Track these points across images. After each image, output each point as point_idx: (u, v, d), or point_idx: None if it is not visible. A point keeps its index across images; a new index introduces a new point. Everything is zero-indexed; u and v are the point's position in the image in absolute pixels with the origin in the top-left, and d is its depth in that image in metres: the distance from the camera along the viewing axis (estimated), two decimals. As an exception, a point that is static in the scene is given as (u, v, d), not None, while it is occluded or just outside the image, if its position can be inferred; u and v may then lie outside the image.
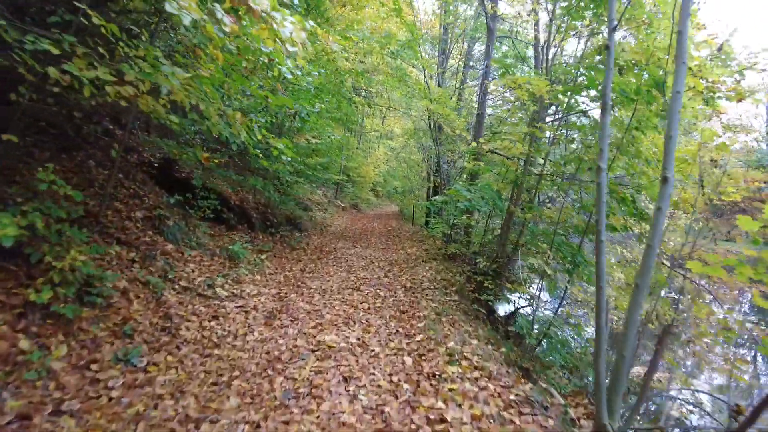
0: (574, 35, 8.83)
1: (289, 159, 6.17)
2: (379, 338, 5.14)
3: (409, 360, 4.42)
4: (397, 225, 17.60)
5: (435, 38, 16.97)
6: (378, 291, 7.16)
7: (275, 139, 5.38)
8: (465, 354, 4.56)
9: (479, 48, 17.23)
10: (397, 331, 5.45)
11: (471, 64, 17.03)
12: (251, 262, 7.69)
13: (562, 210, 7.43)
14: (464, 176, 10.54)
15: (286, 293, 6.73)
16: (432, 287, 7.47)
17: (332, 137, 9.07)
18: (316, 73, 9.03)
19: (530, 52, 12.85)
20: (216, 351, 4.37)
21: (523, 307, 8.80)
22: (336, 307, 6.21)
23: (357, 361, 4.39)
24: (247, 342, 4.74)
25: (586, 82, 5.89)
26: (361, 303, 6.48)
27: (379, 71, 13.56)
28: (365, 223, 17.90)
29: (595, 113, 7.98)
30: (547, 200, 8.98)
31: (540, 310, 8.56)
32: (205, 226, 7.84)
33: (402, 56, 12.48)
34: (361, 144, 29.60)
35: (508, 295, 8.76)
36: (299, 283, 7.33)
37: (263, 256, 8.28)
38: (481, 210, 7.25)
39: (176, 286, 5.46)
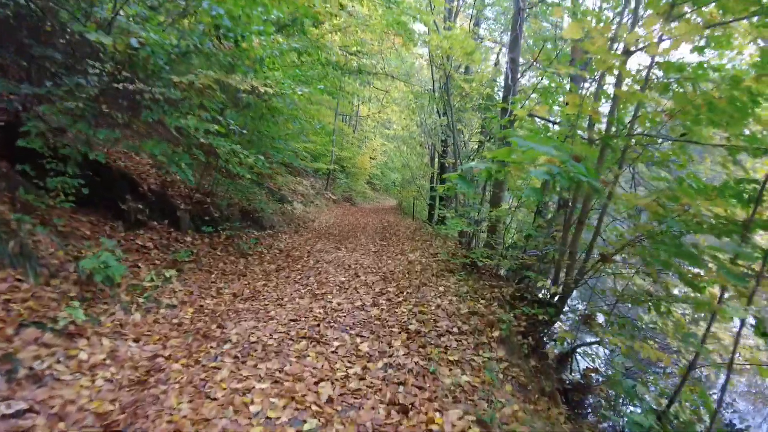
0: None
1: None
2: None
3: None
4: (394, 220, 14.10)
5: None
6: (358, 344, 3.68)
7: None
8: None
9: None
10: None
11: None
12: (135, 288, 4.20)
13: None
14: (486, 149, 7.06)
15: (155, 377, 3.23)
16: (456, 331, 4.01)
17: (295, 90, 5.52)
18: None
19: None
20: None
21: (587, 344, 5.33)
22: (255, 408, 2.70)
23: None
24: None
25: None
26: (318, 385, 2.98)
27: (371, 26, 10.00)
28: (357, 217, 14.40)
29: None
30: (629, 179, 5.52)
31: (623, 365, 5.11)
32: (66, 218, 4.34)
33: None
34: (357, 133, 26.12)
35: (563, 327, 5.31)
36: (207, 332, 3.82)
37: (170, 273, 4.80)
38: (564, 186, 3.80)
39: None
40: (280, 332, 3.82)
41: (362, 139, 26.11)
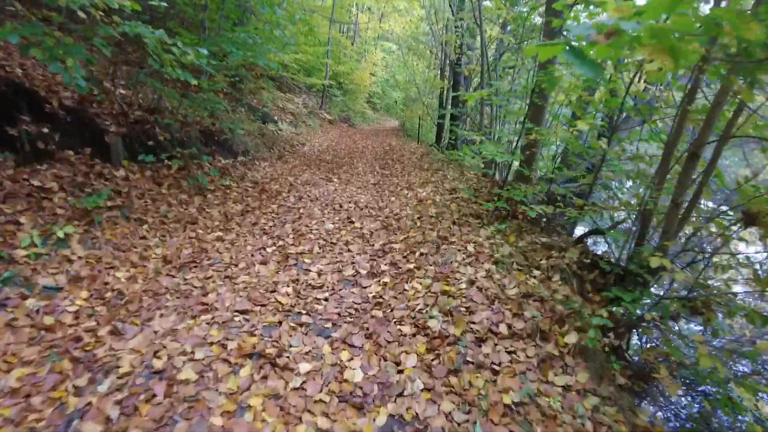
0: None
1: None
2: None
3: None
4: (397, 143, 12.11)
5: None
6: (342, 366, 2.09)
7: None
8: None
9: None
10: None
11: None
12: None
13: None
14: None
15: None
16: (505, 332, 2.40)
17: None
18: None
19: None
20: None
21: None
22: None
23: None
24: None
25: None
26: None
27: None
28: (355, 140, 12.39)
29: None
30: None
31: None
32: None
33: None
34: (356, 46, 23.00)
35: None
36: (87, 347, 2.20)
37: (68, 231, 3.10)
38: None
39: None
40: (211, 341, 2.20)
41: (361, 53, 23.10)
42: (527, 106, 4.45)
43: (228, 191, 5.25)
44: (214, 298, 2.66)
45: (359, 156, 9.21)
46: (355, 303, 2.68)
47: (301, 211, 4.74)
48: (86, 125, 4.53)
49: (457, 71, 9.20)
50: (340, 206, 5.02)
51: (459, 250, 3.36)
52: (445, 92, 11.21)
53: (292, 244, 3.66)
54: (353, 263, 3.30)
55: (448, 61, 10.44)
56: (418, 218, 4.33)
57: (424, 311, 2.56)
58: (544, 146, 5.05)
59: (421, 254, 3.37)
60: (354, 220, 4.46)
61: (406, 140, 13.75)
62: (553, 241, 3.52)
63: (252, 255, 3.42)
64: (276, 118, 10.50)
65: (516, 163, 5.07)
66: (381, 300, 2.72)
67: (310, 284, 2.88)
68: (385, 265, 3.26)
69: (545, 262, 3.15)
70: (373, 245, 3.70)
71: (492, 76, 5.98)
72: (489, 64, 5.96)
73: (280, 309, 2.55)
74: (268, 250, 3.50)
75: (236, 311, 2.51)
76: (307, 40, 14.22)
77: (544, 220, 4.72)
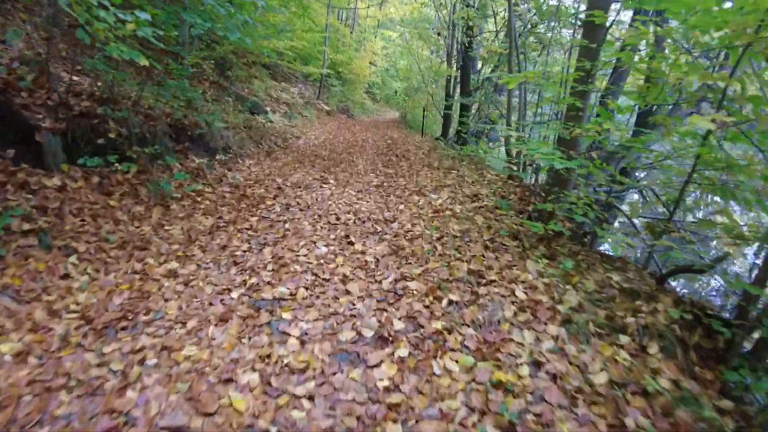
0: None
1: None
2: None
3: None
4: (400, 137, 10.99)
5: None
6: None
7: None
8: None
9: None
10: None
11: None
12: None
13: None
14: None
15: None
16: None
17: None
18: None
19: None
20: None
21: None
22: None
23: None
24: None
25: None
26: None
27: None
28: (355, 132, 11.28)
29: None
30: None
31: None
32: None
33: None
34: (355, 34, 21.70)
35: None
36: None
37: None
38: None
39: None
40: None
41: (360, 41, 21.83)
42: (568, 95, 3.39)
43: (199, 199, 4.21)
44: (133, 399, 1.64)
45: (359, 151, 8.14)
46: (357, 403, 1.67)
47: (287, 226, 3.71)
48: (10, 120, 3.49)
49: (470, 55, 8.06)
50: (337, 218, 3.98)
51: (504, 297, 2.34)
52: (452, 81, 10.09)
53: (269, 282, 2.63)
54: (353, 316, 2.28)
55: (457, 46, 9.29)
56: (438, 239, 3.30)
57: (468, 425, 1.55)
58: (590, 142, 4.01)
59: (451, 303, 2.34)
60: (354, 239, 3.43)
61: (408, 132, 12.66)
62: (631, 281, 2.50)
63: (210, 304, 2.39)
64: (268, 108, 9.40)
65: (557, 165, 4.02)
66: (398, 398, 1.71)
67: (287, 365, 1.86)
68: (400, 319, 2.24)
69: (633, 321, 2.13)
70: (380, 282, 2.67)
71: (520, 58, 4.89)
72: (518, 44, 4.85)
73: (234, 426, 1.53)
74: (234, 295, 2.47)
75: (163, 430, 1.50)
76: (303, 24, 13.03)
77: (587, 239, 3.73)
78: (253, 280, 2.66)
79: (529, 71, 2.78)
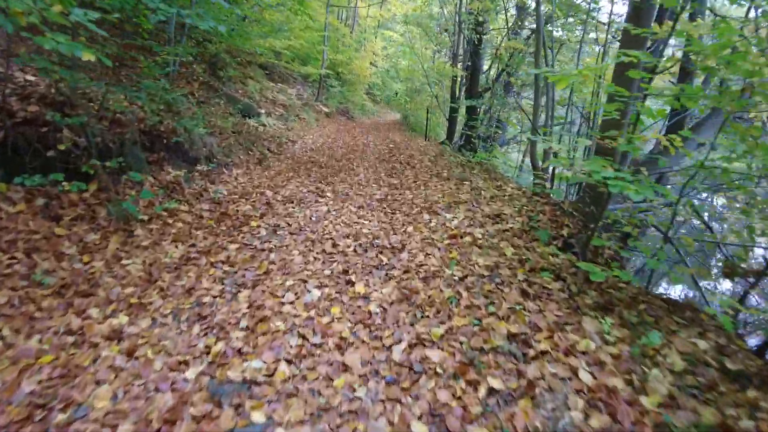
0: None
1: None
2: None
3: None
4: (402, 140, 10.28)
5: None
6: None
7: None
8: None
9: None
10: None
11: None
12: None
13: None
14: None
15: None
16: None
17: None
18: None
19: None
20: None
21: None
22: None
23: None
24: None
25: None
26: None
27: None
28: (355, 135, 10.58)
29: None
30: None
31: None
32: None
33: None
34: (354, 34, 20.98)
35: None
36: None
37: None
38: None
39: None
40: None
41: (360, 41, 21.14)
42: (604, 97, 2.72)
43: (170, 221, 3.52)
44: None
45: (360, 156, 7.45)
46: None
47: (272, 257, 3.01)
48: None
49: (479, 52, 7.35)
50: (334, 245, 3.29)
51: (564, 380, 1.65)
52: (458, 81, 9.38)
53: (239, 351, 1.94)
54: (353, 413, 1.60)
55: (463, 44, 8.58)
56: (460, 279, 2.60)
57: None
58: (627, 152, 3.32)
59: (491, 393, 1.65)
60: (354, 277, 2.73)
61: (411, 135, 11.97)
62: (725, 350, 1.81)
63: (156, 389, 1.70)
64: (262, 111, 8.69)
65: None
66: None
67: None
68: (421, 419, 1.55)
69: (752, 427, 1.44)
70: (389, 348, 1.98)
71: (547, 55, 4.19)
72: (545, 40, 4.14)
73: None
74: (189, 374, 1.78)
75: None
76: (301, 21, 12.33)
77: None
78: (219, 346, 1.97)
79: (583, 68, 2.09)
